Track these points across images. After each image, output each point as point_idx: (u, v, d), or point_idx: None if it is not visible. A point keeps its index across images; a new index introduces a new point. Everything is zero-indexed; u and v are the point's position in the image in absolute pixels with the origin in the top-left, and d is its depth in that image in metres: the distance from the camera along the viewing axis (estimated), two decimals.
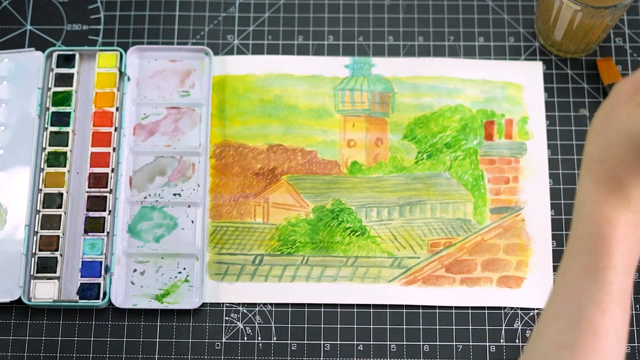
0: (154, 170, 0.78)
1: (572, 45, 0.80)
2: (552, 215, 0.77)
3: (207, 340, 0.74)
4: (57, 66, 0.80)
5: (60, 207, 0.76)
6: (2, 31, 0.82)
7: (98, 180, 0.77)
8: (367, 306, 0.75)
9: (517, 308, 0.75)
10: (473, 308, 0.75)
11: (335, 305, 0.75)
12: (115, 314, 0.74)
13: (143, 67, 0.81)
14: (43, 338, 0.74)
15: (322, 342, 0.74)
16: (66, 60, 0.80)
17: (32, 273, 0.74)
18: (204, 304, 0.75)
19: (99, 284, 0.74)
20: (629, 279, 0.58)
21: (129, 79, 0.80)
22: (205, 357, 0.73)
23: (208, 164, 0.78)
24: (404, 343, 0.74)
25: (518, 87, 0.81)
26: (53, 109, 0.78)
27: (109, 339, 0.74)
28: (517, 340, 0.74)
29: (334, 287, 0.75)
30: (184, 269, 0.75)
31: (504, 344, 0.74)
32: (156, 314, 0.74)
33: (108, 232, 0.75)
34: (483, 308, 0.75)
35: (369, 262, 0.76)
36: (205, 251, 0.75)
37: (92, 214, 0.76)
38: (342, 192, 0.78)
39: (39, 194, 0.76)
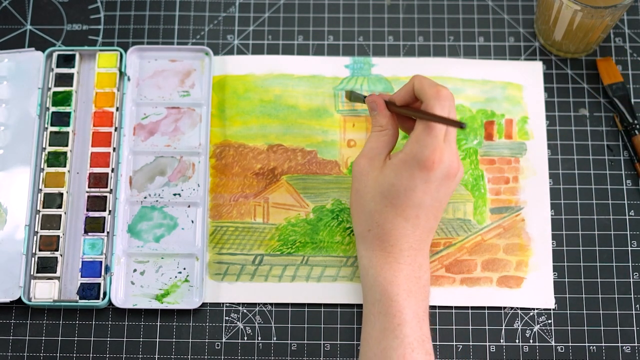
0: (154, 170, 0.78)
1: (572, 45, 0.80)
2: (552, 215, 0.77)
3: (207, 340, 0.74)
4: (57, 66, 0.80)
5: (60, 207, 0.76)
6: (2, 31, 0.82)
7: (98, 180, 0.77)
8: None
9: (517, 308, 0.75)
10: (473, 308, 0.75)
11: (335, 305, 0.75)
12: (115, 314, 0.74)
13: (143, 67, 0.81)
14: (43, 338, 0.74)
15: (322, 342, 0.74)
16: (66, 60, 0.80)
17: (32, 273, 0.74)
18: (204, 304, 0.75)
19: (99, 284, 0.74)
20: (424, 325, 0.66)
21: (129, 79, 0.80)
22: (205, 357, 0.73)
23: (208, 164, 0.78)
24: None
25: (518, 87, 0.81)
26: (53, 109, 0.78)
27: (109, 339, 0.74)
28: (517, 340, 0.74)
29: (334, 287, 0.75)
30: (184, 269, 0.75)
31: (504, 344, 0.74)
32: (156, 314, 0.75)
33: (108, 232, 0.75)
34: (483, 308, 0.75)
35: None
36: (205, 251, 0.75)
37: (92, 214, 0.76)
38: (342, 192, 0.78)
39: (39, 194, 0.76)
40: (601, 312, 0.75)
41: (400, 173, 0.66)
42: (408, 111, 0.69)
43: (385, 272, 0.67)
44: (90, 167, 0.77)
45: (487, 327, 0.74)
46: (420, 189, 0.66)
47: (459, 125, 0.63)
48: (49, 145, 0.77)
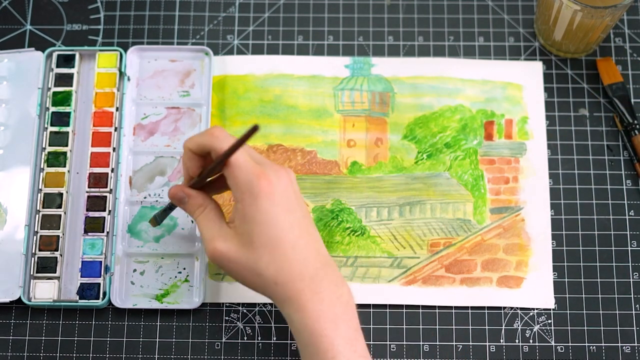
0: (154, 170, 0.78)
1: (572, 45, 0.80)
2: (552, 215, 0.77)
3: (207, 340, 0.74)
4: (57, 66, 0.80)
5: (60, 207, 0.76)
6: (2, 31, 0.82)
7: (98, 180, 0.77)
8: (367, 306, 0.75)
9: (517, 308, 0.75)
10: (473, 308, 0.75)
11: None
12: (115, 314, 0.74)
13: (143, 67, 0.81)
14: (43, 338, 0.74)
15: None
16: (66, 60, 0.80)
17: (32, 273, 0.74)
18: (204, 304, 0.75)
19: (99, 284, 0.74)
20: (358, 344, 0.63)
21: (129, 79, 0.80)
22: (205, 357, 0.73)
23: None
24: (404, 343, 0.74)
25: (518, 87, 0.81)
26: (53, 109, 0.78)
27: (109, 339, 0.74)
28: (517, 340, 0.74)
29: None
30: (184, 268, 0.75)
31: (504, 344, 0.74)
32: (156, 314, 0.74)
33: (108, 232, 0.75)
34: (483, 308, 0.75)
35: (368, 262, 0.76)
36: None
37: (92, 214, 0.76)
38: (342, 192, 0.78)
39: (39, 194, 0.76)
40: (601, 312, 0.75)
41: (253, 219, 0.62)
42: (209, 170, 0.64)
43: (309, 312, 0.62)
44: (90, 167, 0.77)
45: (487, 327, 0.74)
46: (277, 213, 0.62)
47: (253, 130, 0.58)
48: (49, 145, 0.77)
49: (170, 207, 0.71)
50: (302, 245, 0.63)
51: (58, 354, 0.73)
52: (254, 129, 0.57)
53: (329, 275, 0.64)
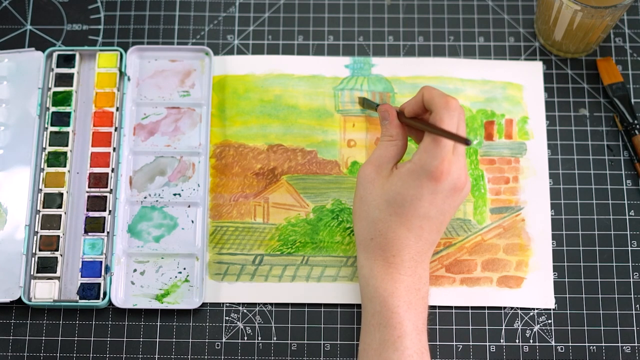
0: (154, 170, 0.78)
1: (572, 45, 0.80)
2: (552, 215, 0.77)
3: (207, 340, 0.74)
4: (57, 66, 0.80)
5: (60, 207, 0.76)
6: (2, 31, 0.82)
7: (98, 180, 0.77)
8: None
9: (517, 308, 0.75)
10: (473, 308, 0.75)
11: (335, 305, 0.75)
12: (115, 314, 0.74)
13: (143, 67, 0.81)
14: (43, 338, 0.74)
15: (322, 342, 0.74)
16: (66, 60, 0.80)
17: (32, 273, 0.74)
18: (204, 304, 0.75)
19: (99, 284, 0.74)
20: (423, 336, 0.66)
21: (129, 79, 0.80)
22: (205, 357, 0.73)
23: (208, 164, 0.78)
24: None
25: (518, 87, 0.81)
26: (53, 109, 0.79)
27: (109, 339, 0.74)
28: (517, 340, 0.74)
29: (334, 287, 0.75)
30: (184, 269, 0.75)
31: (504, 344, 0.74)
32: (156, 314, 0.75)
33: (108, 232, 0.75)
34: (483, 308, 0.75)
35: None
36: (205, 251, 0.75)
37: (92, 213, 0.76)
38: (342, 192, 0.78)
39: (39, 194, 0.76)
40: (601, 312, 0.75)
41: (408, 182, 0.66)
42: (417, 123, 0.69)
43: (385, 284, 0.66)
44: (90, 167, 0.77)
45: (487, 327, 0.74)
46: (426, 199, 0.66)
47: (464, 141, 0.62)
48: (49, 145, 0.77)
49: (375, 109, 0.75)
50: (424, 231, 0.67)
51: (58, 354, 0.73)
52: (467, 142, 0.62)
53: (417, 270, 0.67)
